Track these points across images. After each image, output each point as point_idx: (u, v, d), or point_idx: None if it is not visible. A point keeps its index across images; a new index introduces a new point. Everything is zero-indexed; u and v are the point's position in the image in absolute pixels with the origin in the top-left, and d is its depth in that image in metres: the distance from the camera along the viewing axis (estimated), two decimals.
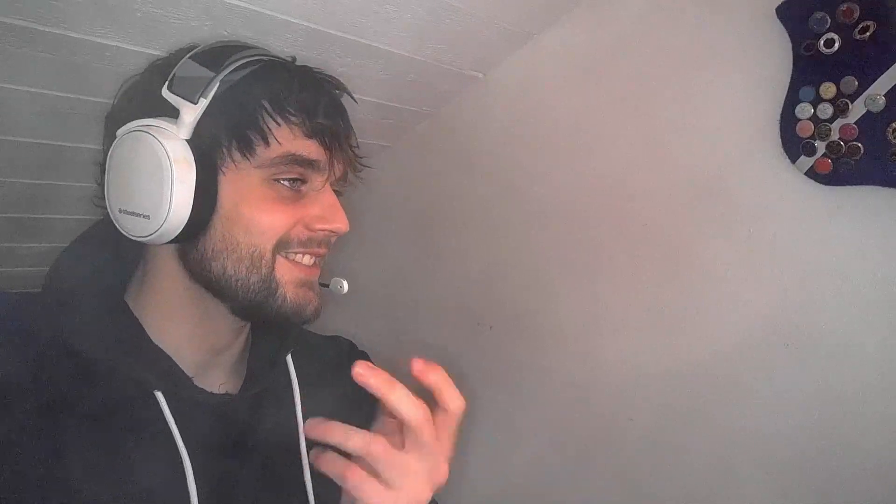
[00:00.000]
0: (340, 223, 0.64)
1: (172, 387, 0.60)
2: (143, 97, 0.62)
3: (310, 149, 0.62)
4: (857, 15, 0.84)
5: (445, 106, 1.35)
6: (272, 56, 0.64)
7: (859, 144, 0.85)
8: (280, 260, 0.62)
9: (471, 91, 1.30)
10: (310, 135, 0.61)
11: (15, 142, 1.06)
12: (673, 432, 1.04)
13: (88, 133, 1.07)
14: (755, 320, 0.96)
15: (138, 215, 0.59)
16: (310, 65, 0.67)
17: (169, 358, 0.61)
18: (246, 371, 0.69)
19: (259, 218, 0.60)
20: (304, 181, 0.63)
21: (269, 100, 0.60)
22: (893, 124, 0.82)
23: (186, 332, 0.63)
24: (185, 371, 0.62)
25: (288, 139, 0.60)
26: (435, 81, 1.24)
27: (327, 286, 0.70)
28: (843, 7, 0.85)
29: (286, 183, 0.61)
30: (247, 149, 0.59)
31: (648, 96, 1.06)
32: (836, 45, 0.86)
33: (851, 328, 0.88)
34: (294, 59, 0.66)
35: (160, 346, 0.62)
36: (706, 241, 1.00)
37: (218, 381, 0.66)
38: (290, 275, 0.62)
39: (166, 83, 0.59)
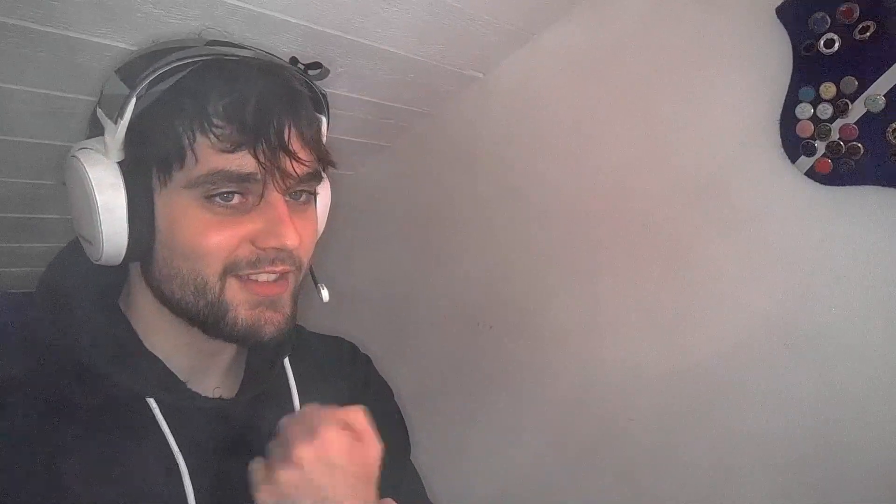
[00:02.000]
0: (287, 239, 0.56)
1: (165, 392, 0.59)
2: (91, 113, 0.60)
3: (238, 161, 0.54)
4: (857, 15, 0.84)
5: (445, 106, 1.35)
6: (202, 56, 0.56)
7: (859, 144, 0.85)
8: (231, 282, 0.57)
9: (471, 91, 1.30)
10: (235, 146, 0.54)
11: (15, 142, 1.06)
12: (673, 432, 1.04)
13: None
14: (755, 320, 0.95)
15: (85, 240, 0.58)
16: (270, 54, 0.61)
17: (161, 363, 0.60)
18: (243, 375, 0.69)
19: (196, 243, 0.55)
20: (244, 195, 0.56)
21: (188, 111, 0.54)
22: (893, 124, 0.82)
23: (173, 340, 0.61)
24: (179, 375, 0.61)
25: (210, 154, 0.54)
26: (435, 81, 1.24)
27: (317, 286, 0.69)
28: (843, 7, 0.85)
29: (221, 200, 0.55)
30: (166, 170, 0.55)
31: (648, 96, 1.06)
32: (836, 45, 0.86)
33: (851, 328, 0.88)
34: (234, 55, 0.58)
35: (153, 351, 0.60)
36: (706, 241, 1.00)
37: (212, 384, 0.65)
38: (241, 296, 0.57)
39: (98, 100, 0.57)
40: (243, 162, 0.55)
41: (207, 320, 0.58)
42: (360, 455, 0.57)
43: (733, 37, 0.97)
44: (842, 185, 0.88)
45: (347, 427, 0.57)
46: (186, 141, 0.54)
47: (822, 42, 0.87)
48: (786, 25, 0.91)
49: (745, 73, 0.96)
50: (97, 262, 0.58)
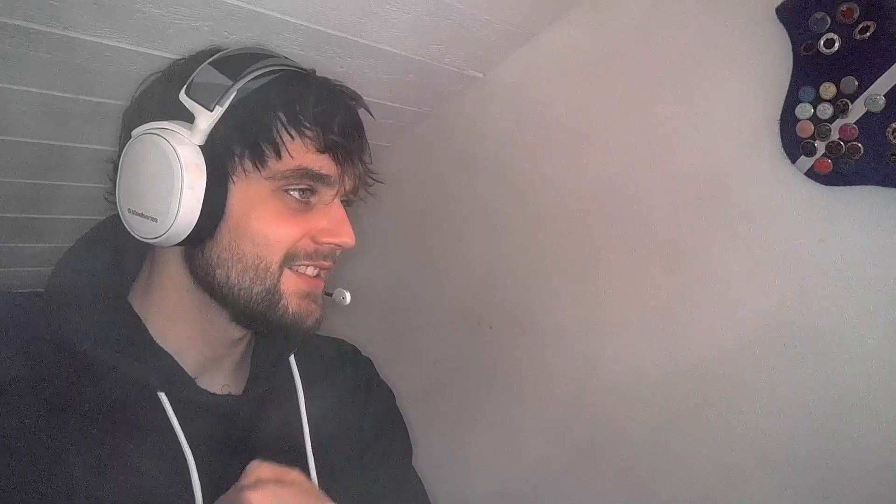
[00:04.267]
0: (347, 237, 0.63)
1: (175, 388, 0.60)
2: (161, 99, 0.62)
3: (321, 163, 0.61)
4: (857, 15, 0.84)
5: (445, 106, 1.35)
6: (292, 66, 0.63)
7: (859, 144, 0.85)
8: (286, 272, 0.62)
9: (471, 91, 1.30)
10: (322, 149, 0.61)
11: (15, 142, 1.06)
12: (672, 432, 1.04)
13: (88, 133, 1.07)
14: (755, 320, 0.96)
15: (146, 217, 0.59)
16: (315, 68, 0.67)
17: (171, 359, 0.61)
18: (249, 372, 0.69)
19: (267, 230, 0.60)
20: (313, 193, 0.63)
21: (284, 112, 0.60)
22: (893, 124, 0.82)
23: (189, 334, 0.63)
24: (188, 372, 0.62)
25: (300, 152, 0.60)
26: (435, 81, 1.24)
27: (330, 295, 0.70)
28: (843, 7, 0.85)
29: (295, 194, 0.61)
30: (259, 160, 0.59)
31: (648, 96, 1.06)
32: (836, 45, 0.86)
33: (851, 328, 0.88)
34: (314, 70, 0.66)
35: (163, 346, 0.61)
36: (706, 241, 1.00)
37: (221, 381, 0.66)
38: (294, 286, 0.62)
39: (184, 87, 0.59)
40: (324, 164, 0.61)
41: (258, 307, 0.61)
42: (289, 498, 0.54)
43: (733, 37, 0.97)
44: (842, 185, 0.87)
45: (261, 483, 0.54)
46: (284, 137, 0.59)
47: (822, 42, 0.87)
48: (786, 25, 0.91)
49: (745, 73, 0.96)
50: (151, 241, 0.59)
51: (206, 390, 0.63)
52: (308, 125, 0.60)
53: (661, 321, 1.05)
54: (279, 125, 0.59)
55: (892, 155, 0.82)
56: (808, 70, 0.89)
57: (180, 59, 0.64)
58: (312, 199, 0.63)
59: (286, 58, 0.65)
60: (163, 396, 0.59)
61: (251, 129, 0.59)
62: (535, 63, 1.20)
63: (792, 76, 0.91)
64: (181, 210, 0.57)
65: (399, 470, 0.77)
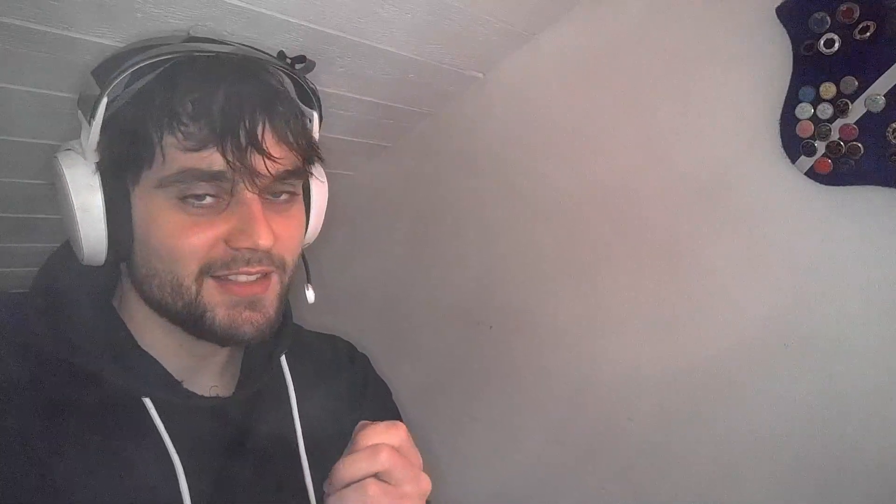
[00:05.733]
0: (261, 238, 0.55)
1: (161, 391, 0.59)
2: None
3: (208, 160, 0.54)
4: (857, 15, 0.84)
5: (445, 106, 1.35)
6: (174, 53, 0.56)
7: (859, 144, 0.85)
8: (208, 283, 0.57)
9: (471, 91, 1.30)
10: (201, 144, 0.53)
11: (15, 142, 1.06)
12: (672, 432, 1.04)
13: None
14: (754, 320, 0.96)
15: (71, 240, 0.58)
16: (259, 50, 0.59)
17: (156, 362, 0.60)
18: (239, 373, 0.68)
19: (171, 244, 0.55)
20: (218, 194, 0.56)
21: (154, 111, 0.54)
22: (893, 124, 0.82)
23: (165, 340, 0.61)
24: (174, 374, 0.61)
25: (178, 152, 0.54)
26: (435, 81, 1.24)
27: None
28: (843, 7, 0.85)
29: (195, 200, 0.55)
30: (136, 170, 0.55)
31: (648, 96, 1.06)
32: (836, 45, 0.86)
33: (851, 328, 0.88)
34: (202, 50, 0.57)
35: (148, 350, 0.60)
36: (706, 241, 1.00)
37: (208, 383, 0.65)
38: (219, 297, 0.57)
39: (77, 101, 0.57)
40: (212, 160, 0.54)
41: (187, 320, 0.58)
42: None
43: (733, 37, 0.97)
44: (842, 185, 0.88)
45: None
46: (155, 139, 0.54)
47: (822, 42, 0.87)
48: (786, 25, 0.91)
49: (745, 73, 0.96)
50: (83, 262, 0.58)
51: (192, 392, 0.61)
52: (183, 120, 0.53)
53: (661, 321, 1.05)
54: (150, 126, 0.53)
55: (893, 155, 0.82)
56: (808, 70, 0.89)
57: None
58: (224, 199, 0.56)
59: (179, 41, 0.58)
60: (147, 401, 0.58)
61: (125, 138, 0.55)
62: (535, 63, 1.20)
63: (792, 76, 0.91)
64: (82, 232, 0.55)
65: None
